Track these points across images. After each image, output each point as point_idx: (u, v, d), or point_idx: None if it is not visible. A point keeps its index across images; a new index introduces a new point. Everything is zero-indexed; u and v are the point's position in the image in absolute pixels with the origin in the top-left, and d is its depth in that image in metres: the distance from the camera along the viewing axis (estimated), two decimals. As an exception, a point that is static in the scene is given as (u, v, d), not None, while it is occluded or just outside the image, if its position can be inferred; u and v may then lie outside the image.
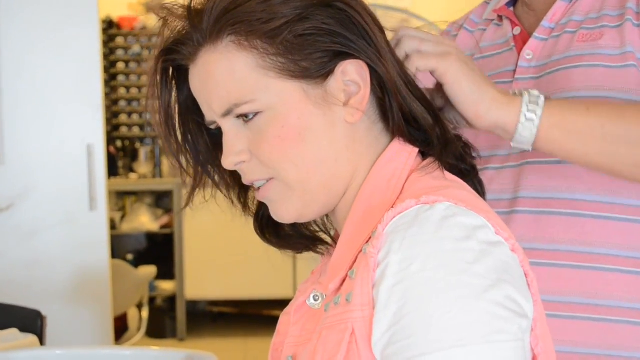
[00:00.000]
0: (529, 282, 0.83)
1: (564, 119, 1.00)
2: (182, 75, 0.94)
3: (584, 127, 1.00)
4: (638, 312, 1.15)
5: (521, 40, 1.26)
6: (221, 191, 1.01)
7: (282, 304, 0.98)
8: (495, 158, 1.22)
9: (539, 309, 0.83)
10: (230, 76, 0.87)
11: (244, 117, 0.88)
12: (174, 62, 0.92)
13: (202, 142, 0.98)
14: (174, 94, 0.95)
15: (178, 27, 0.90)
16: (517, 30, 1.27)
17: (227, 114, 0.89)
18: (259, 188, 0.93)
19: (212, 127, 0.94)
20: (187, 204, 1.00)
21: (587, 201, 1.16)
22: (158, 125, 0.95)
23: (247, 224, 1.03)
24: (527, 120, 0.98)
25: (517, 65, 1.24)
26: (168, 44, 0.91)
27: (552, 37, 1.22)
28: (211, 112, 0.90)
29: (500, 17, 1.32)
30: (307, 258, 1.06)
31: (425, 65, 0.96)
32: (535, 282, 0.84)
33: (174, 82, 0.95)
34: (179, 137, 0.96)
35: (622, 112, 1.02)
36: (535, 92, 1.00)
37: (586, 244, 1.15)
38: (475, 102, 0.97)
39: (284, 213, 0.92)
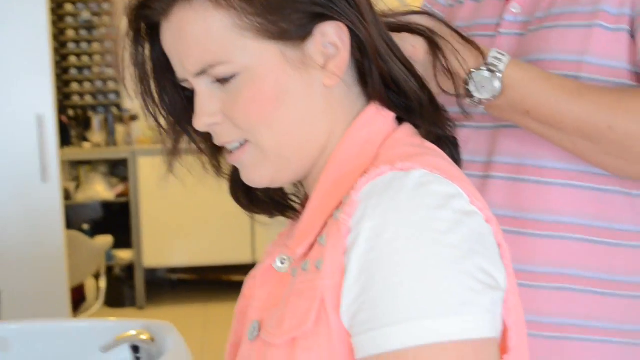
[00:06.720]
0: (502, 253, 0.80)
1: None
2: (155, 32, 0.90)
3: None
4: (601, 281, 1.13)
5: None
6: (199, 150, 0.97)
7: (242, 269, 0.96)
8: (474, 115, 1.15)
9: (512, 281, 0.82)
10: (205, 35, 0.83)
11: (220, 80, 0.85)
12: (147, 19, 0.89)
13: (178, 101, 0.94)
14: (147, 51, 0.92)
15: None
16: None
17: (200, 74, 0.86)
18: (231, 151, 0.90)
19: (185, 84, 0.90)
20: (169, 169, 0.96)
21: (556, 169, 1.13)
22: (134, 84, 0.91)
23: (204, 190, 1.00)
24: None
25: (502, 18, 1.19)
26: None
27: None
28: (184, 70, 0.87)
29: None
30: (266, 223, 1.04)
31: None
32: (508, 254, 0.82)
33: (146, 39, 0.91)
34: (155, 96, 0.93)
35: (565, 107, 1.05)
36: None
37: (552, 212, 1.13)
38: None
39: (256, 178, 0.90)
